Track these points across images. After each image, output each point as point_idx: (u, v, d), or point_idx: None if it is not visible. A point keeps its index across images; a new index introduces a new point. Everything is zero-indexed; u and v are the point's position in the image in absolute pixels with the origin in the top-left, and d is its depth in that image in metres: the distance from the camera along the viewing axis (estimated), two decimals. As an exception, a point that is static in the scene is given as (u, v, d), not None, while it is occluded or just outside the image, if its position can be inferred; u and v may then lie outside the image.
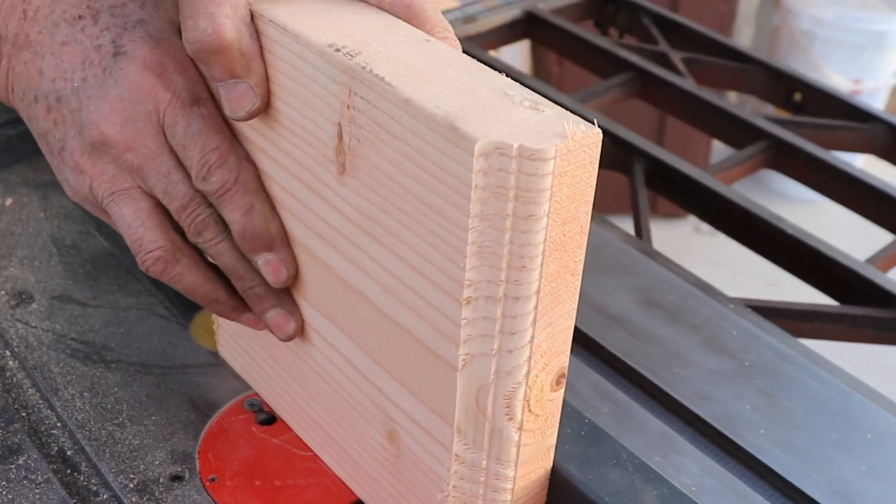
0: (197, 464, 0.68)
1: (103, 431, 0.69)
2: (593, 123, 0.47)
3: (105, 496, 0.66)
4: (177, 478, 0.67)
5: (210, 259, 0.64)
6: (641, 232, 0.96)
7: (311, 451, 0.70)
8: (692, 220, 2.95)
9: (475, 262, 0.49)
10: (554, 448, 0.58)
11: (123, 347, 0.76)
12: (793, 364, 0.82)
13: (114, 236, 0.85)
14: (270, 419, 0.72)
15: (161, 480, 0.67)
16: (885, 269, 0.98)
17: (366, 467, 0.64)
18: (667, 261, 0.91)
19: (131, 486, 0.66)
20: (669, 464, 0.72)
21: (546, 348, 0.52)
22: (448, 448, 0.56)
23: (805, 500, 0.71)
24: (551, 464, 0.59)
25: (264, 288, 0.63)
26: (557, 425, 0.57)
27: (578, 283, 0.52)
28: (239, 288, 0.64)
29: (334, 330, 0.62)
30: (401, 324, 0.55)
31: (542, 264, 0.49)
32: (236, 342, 0.73)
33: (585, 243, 0.51)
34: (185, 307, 0.79)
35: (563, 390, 0.55)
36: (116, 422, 0.70)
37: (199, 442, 0.69)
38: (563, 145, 0.46)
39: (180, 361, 0.75)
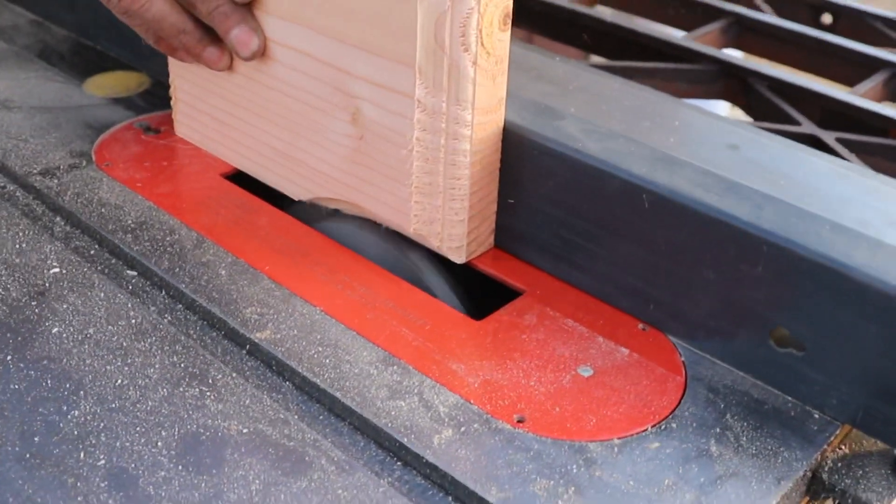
0: (93, 157, 0.73)
1: (8, 144, 0.74)
2: None
3: (12, 187, 0.71)
4: (75, 166, 0.72)
5: None
6: None
7: (194, 144, 0.76)
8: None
9: None
10: (505, 102, 0.62)
11: (25, 99, 0.81)
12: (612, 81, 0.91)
13: (13, 39, 0.91)
14: (157, 130, 0.78)
15: (61, 167, 0.72)
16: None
17: (331, 172, 0.67)
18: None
19: (35, 172, 0.71)
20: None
21: None
22: (410, 96, 0.59)
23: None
24: (503, 121, 0.63)
25: (229, 5, 0.66)
26: (506, 75, 0.61)
27: None
28: (205, 10, 0.66)
29: (296, 29, 0.65)
30: None
31: None
32: (195, 108, 0.74)
33: None
34: (79, 73, 0.85)
35: (509, 34, 0.60)
36: (21, 139, 0.75)
37: (95, 145, 0.75)
38: None
39: (76, 104, 0.80)
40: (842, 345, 0.54)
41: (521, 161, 0.63)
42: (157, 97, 0.82)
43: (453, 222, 0.63)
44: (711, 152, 0.83)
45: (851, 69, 1.05)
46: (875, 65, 1.03)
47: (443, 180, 0.62)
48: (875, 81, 1.01)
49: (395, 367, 0.56)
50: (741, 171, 0.80)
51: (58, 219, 0.67)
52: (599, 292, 0.63)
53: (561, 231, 0.63)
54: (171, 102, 0.77)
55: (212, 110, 0.74)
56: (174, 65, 0.74)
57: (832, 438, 0.55)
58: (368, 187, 0.65)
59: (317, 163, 0.68)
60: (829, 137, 0.89)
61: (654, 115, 0.88)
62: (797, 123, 0.92)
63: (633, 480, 0.51)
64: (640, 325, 0.61)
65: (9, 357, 0.55)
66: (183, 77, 0.74)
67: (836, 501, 0.56)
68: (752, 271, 0.55)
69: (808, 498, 0.56)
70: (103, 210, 0.67)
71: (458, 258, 0.65)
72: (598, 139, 0.62)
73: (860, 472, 0.55)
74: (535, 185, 0.63)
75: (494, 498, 0.49)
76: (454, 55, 0.58)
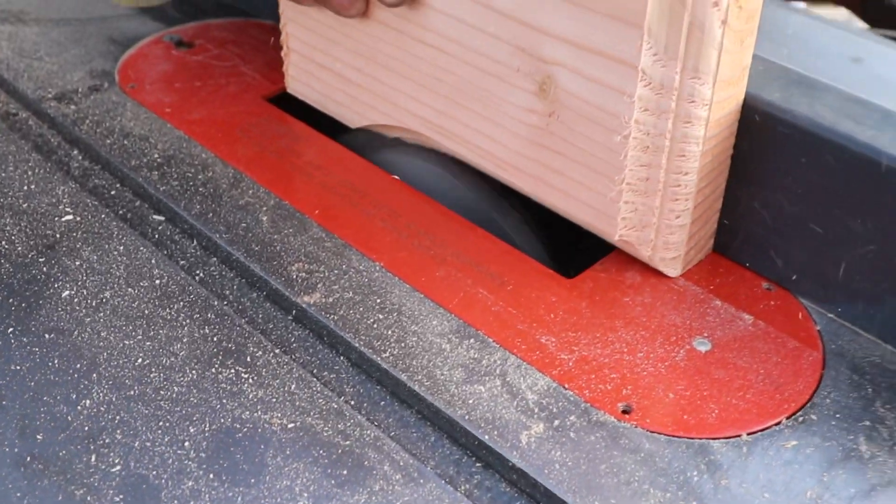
0: (116, 77, 0.61)
1: (21, 64, 0.62)
2: None
3: (24, 114, 0.59)
4: (95, 88, 0.60)
5: None
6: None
7: (232, 62, 0.63)
8: None
9: None
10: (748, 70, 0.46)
11: (42, 11, 0.68)
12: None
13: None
14: (190, 45, 0.65)
15: (79, 90, 0.60)
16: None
17: (502, 153, 0.51)
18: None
19: (50, 96, 0.59)
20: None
21: None
22: (631, 65, 0.43)
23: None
24: (744, 93, 0.46)
25: None
26: (755, 36, 0.45)
27: None
28: None
29: None
30: None
31: None
32: (313, 62, 0.59)
33: None
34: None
35: None
36: (35, 57, 0.63)
37: (119, 64, 0.63)
38: None
39: (99, 14, 0.68)
40: None
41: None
42: (191, 6, 0.69)
43: (672, 227, 0.47)
44: (833, 66, 0.70)
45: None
46: None
47: (664, 175, 0.46)
48: None
49: (471, 341, 0.44)
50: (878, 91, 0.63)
51: (74, 152, 0.56)
52: (715, 244, 0.51)
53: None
54: (283, 54, 0.60)
55: (336, 65, 0.57)
56: (288, 7, 0.58)
57: None
58: (556, 178, 0.49)
59: (482, 140, 0.52)
60: (960, 44, 0.74)
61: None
62: (920, 28, 0.77)
63: (769, 492, 0.39)
64: (765, 285, 0.49)
65: (10, 329, 0.44)
66: (299, 23, 0.58)
67: None
68: (918, 224, 0.42)
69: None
70: (126, 142, 0.55)
71: (673, 271, 0.49)
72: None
73: None
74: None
75: (598, 516, 0.37)
76: (698, 11, 0.42)
